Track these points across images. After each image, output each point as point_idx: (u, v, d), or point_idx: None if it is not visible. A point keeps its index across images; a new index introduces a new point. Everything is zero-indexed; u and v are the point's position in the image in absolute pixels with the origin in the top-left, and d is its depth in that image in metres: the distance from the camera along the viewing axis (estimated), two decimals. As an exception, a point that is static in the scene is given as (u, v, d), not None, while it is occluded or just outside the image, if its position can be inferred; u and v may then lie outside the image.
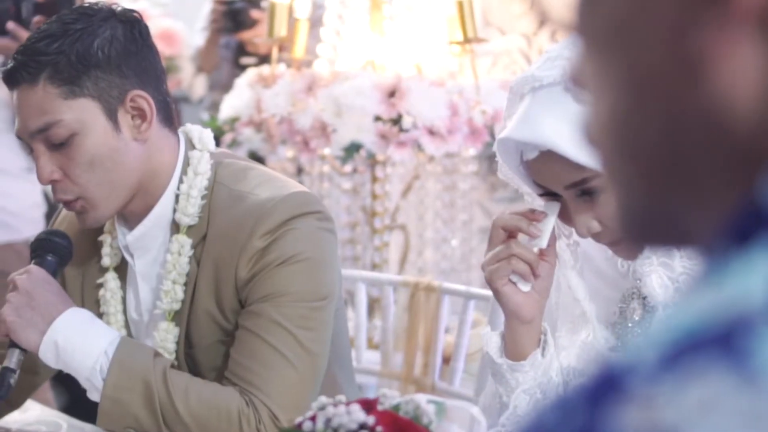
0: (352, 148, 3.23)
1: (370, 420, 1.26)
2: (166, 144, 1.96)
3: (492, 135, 3.33)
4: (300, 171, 3.45)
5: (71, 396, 3.88)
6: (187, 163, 1.97)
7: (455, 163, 3.42)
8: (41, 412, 2.22)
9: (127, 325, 2.03)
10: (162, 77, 1.98)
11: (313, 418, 1.30)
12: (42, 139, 1.90)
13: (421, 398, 1.33)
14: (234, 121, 3.45)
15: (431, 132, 3.23)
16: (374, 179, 3.45)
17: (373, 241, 3.46)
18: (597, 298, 1.76)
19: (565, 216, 1.66)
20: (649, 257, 1.64)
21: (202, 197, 1.94)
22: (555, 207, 1.66)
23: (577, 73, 0.70)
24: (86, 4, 1.98)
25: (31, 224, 3.38)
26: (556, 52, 1.61)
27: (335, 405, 1.29)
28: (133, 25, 1.94)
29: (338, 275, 1.99)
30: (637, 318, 1.72)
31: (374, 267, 3.41)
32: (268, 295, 1.87)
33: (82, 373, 1.87)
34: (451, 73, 3.42)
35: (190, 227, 1.93)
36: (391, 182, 3.49)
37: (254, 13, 4.15)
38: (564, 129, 1.55)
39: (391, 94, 3.23)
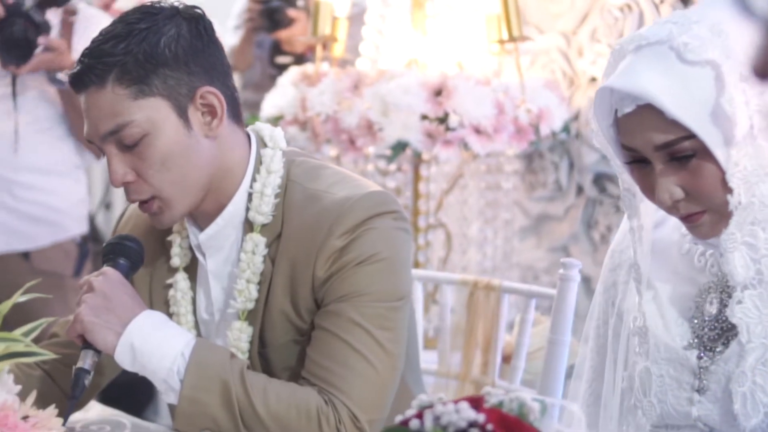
0: (399, 147, 3.22)
1: (480, 418, 1.25)
2: (236, 140, 1.95)
3: (537, 134, 3.32)
4: (341, 170, 3.44)
5: (104, 395, 3.86)
6: (259, 161, 1.95)
7: (499, 162, 3.42)
8: (103, 411, 2.21)
9: (197, 326, 2.02)
10: (228, 72, 1.97)
11: (419, 416, 1.28)
12: (113, 141, 1.89)
13: (526, 395, 1.32)
14: (278, 119, 3.44)
15: (477, 131, 3.22)
16: (418, 178, 3.45)
17: (417, 240, 3.45)
18: (672, 296, 1.76)
19: (647, 187, 1.66)
20: (734, 233, 1.63)
21: (276, 196, 1.93)
22: None
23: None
24: (148, 3, 1.96)
25: (76, 222, 3.37)
26: (665, 18, 1.64)
27: (443, 403, 1.28)
28: (197, 21, 1.93)
29: (411, 276, 1.98)
30: (714, 311, 1.71)
31: (417, 266, 3.40)
32: (347, 294, 1.86)
33: (159, 375, 1.86)
34: (494, 72, 3.42)
35: (263, 226, 1.92)
36: (435, 181, 3.48)
37: (290, 12, 4.15)
38: (664, 83, 1.58)
39: (438, 92, 3.22)
